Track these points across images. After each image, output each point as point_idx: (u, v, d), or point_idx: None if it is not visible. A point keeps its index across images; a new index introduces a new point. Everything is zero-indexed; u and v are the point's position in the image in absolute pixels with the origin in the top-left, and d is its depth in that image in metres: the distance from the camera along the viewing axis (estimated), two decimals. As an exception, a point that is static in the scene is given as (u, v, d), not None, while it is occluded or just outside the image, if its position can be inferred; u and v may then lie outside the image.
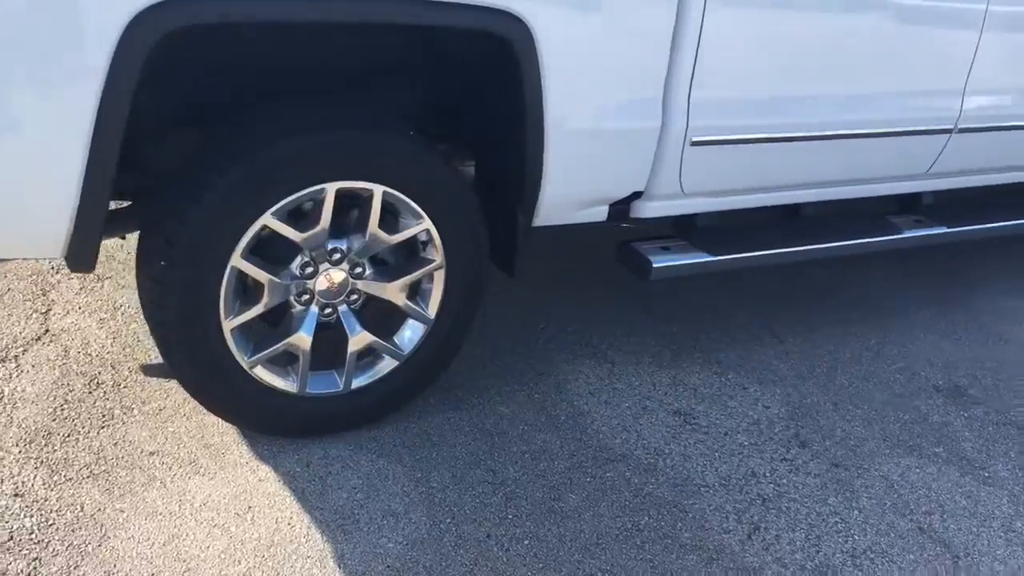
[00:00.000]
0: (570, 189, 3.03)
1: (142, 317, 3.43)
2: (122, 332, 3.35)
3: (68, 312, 3.44)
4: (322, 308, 2.83)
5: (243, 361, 2.74)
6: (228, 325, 2.67)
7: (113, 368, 3.17)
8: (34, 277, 3.61)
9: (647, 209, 3.29)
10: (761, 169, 3.39)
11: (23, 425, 2.86)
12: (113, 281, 3.67)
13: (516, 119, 2.80)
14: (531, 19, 2.64)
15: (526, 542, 2.66)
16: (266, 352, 2.77)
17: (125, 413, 2.98)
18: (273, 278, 2.69)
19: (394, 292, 2.89)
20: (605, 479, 2.94)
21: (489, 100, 2.95)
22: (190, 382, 2.76)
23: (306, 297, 2.79)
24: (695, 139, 3.15)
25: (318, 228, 2.68)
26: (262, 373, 2.79)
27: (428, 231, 2.83)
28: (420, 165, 2.74)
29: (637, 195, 3.22)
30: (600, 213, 3.23)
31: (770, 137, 3.32)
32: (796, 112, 3.32)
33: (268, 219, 2.58)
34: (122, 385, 3.10)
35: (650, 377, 3.50)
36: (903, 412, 3.50)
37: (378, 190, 2.70)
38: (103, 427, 2.91)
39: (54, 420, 2.91)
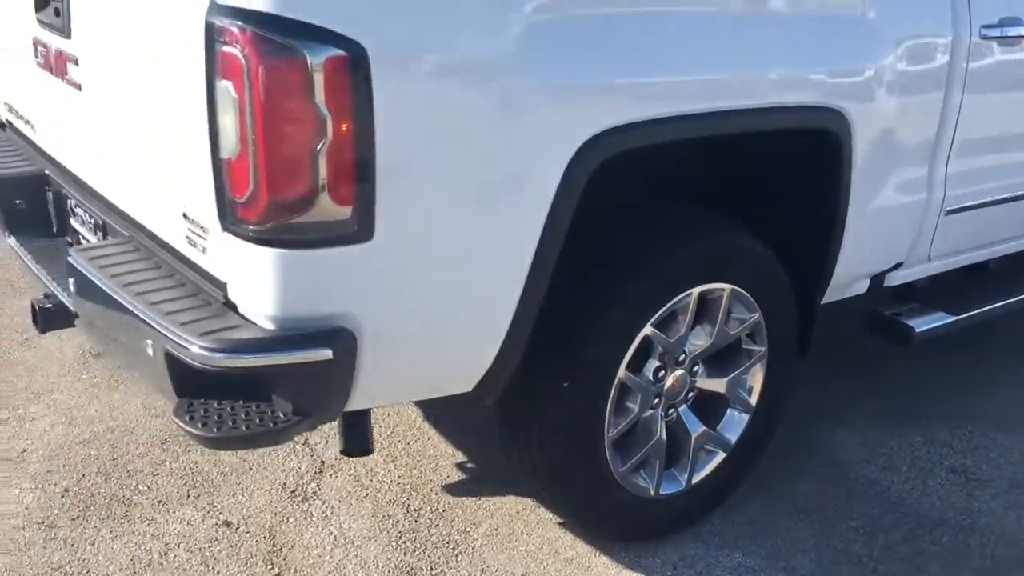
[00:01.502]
0: (856, 265, 3.16)
1: (405, 438, 3.41)
2: (397, 456, 3.31)
3: (328, 442, 3.38)
4: (666, 410, 2.88)
5: (616, 472, 2.76)
6: (608, 438, 2.69)
7: (416, 491, 3.13)
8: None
9: (898, 278, 3.45)
10: (988, 228, 3.60)
11: (380, 563, 2.81)
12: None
13: (821, 204, 2.93)
14: (850, 111, 2.79)
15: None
16: (635, 460, 2.80)
17: (465, 538, 2.94)
18: (648, 385, 2.73)
19: (727, 386, 2.96)
20: (945, 544, 3.03)
21: (795, 190, 3.06)
22: (565, 498, 2.76)
23: (656, 400, 2.83)
24: (949, 208, 3.33)
25: (682, 332, 2.74)
26: (632, 481, 2.81)
27: (759, 323, 2.92)
28: (759, 262, 2.84)
29: (896, 266, 3.38)
30: (863, 286, 3.38)
31: (1002, 199, 3.53)
32: (1020, 174, 3.55)
33: (648, 329, 2.64)
34: (441, 508, 3.06)
35: (904, 439, 3.62)
36: None
37: (727, 289, 2.78)
38: (458, 555, 2.87)
39: (405, 554, 2.86)
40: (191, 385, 2.18)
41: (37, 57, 2.79)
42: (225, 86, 1.97)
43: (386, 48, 1.99)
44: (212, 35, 1.97)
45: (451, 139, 2.14)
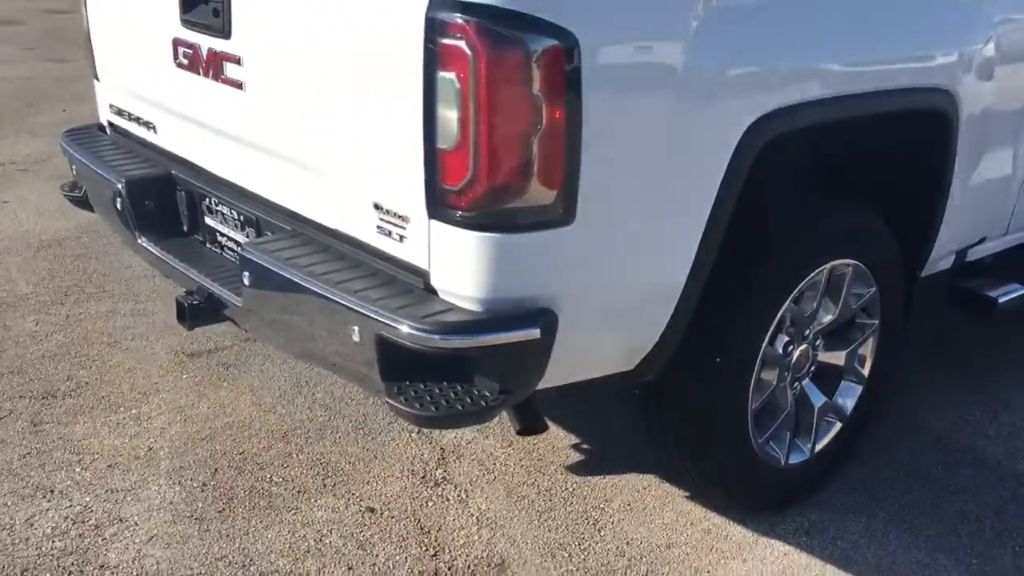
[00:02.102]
0: (952, 240, 3.33)
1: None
2: (513, 440, 3.40)
3: (442, 431, 3.46)
4: (792, 383, 3.01)
5: (755, 443, 2.88)
6: (751, 410, 2.81)
7: (542, 472, 3.23)
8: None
9: (978, 252, 3.62)
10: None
11: (528, 540, 2.90)
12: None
13: (930, 181, 3.08)
14: (958, 92, 2.94)
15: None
16: (772, 429, 2.93)
17: (602, 514, 3.05)
18: (780, 359, 2.87)
19: (846, 358, 3.10)
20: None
21: (906, 169, 3.21)
22: (708, 470, 2.88)
23: (785, 374, 2.96)
24: (1026, 184, 3.51)
25: (813, 307, 2.87)
26: (766, 451, 2.94)
27: (875, 297, 3.06)
28: (879, 238, 2.98)
29: (981, 240, 3.54)
30: (949, 261, 3.54)
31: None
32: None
33: (788, 305, 2.77)
34: (571, 488, 3.17)
35: (986, 406, 3.79)
36: None
37: (852, 265, 2.92)
38: (600, 530, 2.98)
39: (550, 531, 2.96)
40: (399, 369, 2.26)
41: (178, 58, 2.83)
42: (447, 77, 2.06)
43: (593, 38, 2.10)
44: (434, 29, 2.05)
45: (642, 124, 2.25)
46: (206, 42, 2.71)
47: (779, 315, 2.76)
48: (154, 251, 3.04)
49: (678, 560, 2.87)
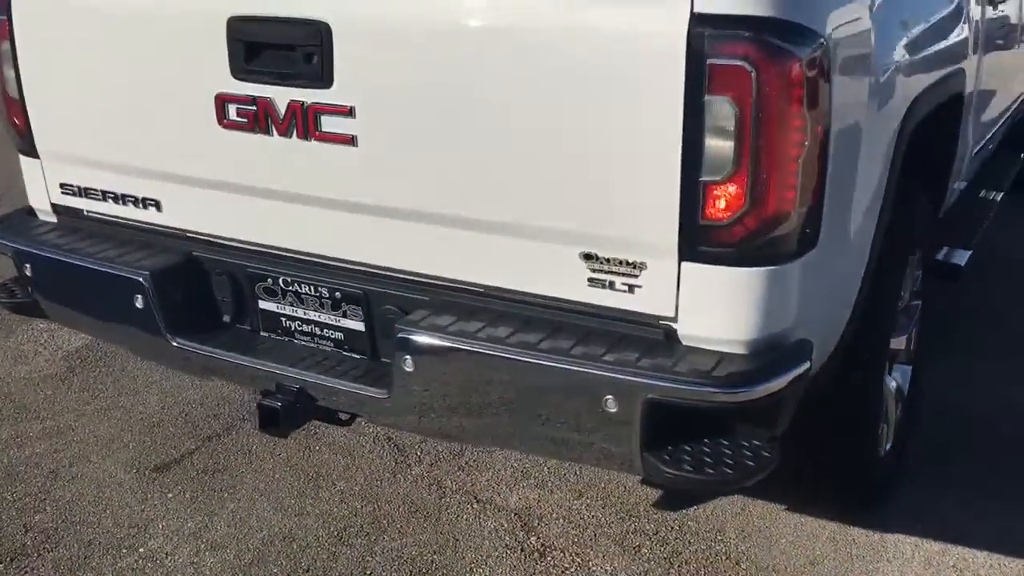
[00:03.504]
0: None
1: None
2: (581, 490, 3.18)
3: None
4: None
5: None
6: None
7: (634, 517, 3.03)
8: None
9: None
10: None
11: None
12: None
13: (948, 158, 3.23)
14: (968, 73, 3.11)
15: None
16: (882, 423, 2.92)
17: (726, 545, 2.91)
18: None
19: (905, 342, 3.16)
20: None
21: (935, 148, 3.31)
22: (842, 471, 2.82)
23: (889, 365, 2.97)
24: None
25: (906, 295, 2.91)
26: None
27: (920, 279, 3.16)
28: (930, 217, 3.07)
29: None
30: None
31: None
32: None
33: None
34: (677, 526, 2.99)
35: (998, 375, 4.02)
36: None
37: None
38: (737, 563, 2.83)
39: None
40: (662, 434, 2.00)
41: (226, 118, 2.35)
42: (719, 101, 1.84)
43: (833, 38, 1.96)
44: (701, 48, 1.83)
45: (854, 126, 2.15)
46: (287, 94, 2.26)
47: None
48: (202, 352, 2.51)
49: (833, 574, 2.79)
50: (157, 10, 2.40)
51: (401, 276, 2.31)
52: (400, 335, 2.18)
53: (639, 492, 3.17)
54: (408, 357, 2.17)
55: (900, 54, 2.38)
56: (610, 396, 1.98)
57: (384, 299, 2.35)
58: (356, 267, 2.37)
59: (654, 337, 2.06)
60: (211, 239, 2.56)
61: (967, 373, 3.90)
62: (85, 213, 2.76)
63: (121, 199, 2.66)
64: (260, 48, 2.28)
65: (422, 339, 2.15)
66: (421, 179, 2.20)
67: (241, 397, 3.62)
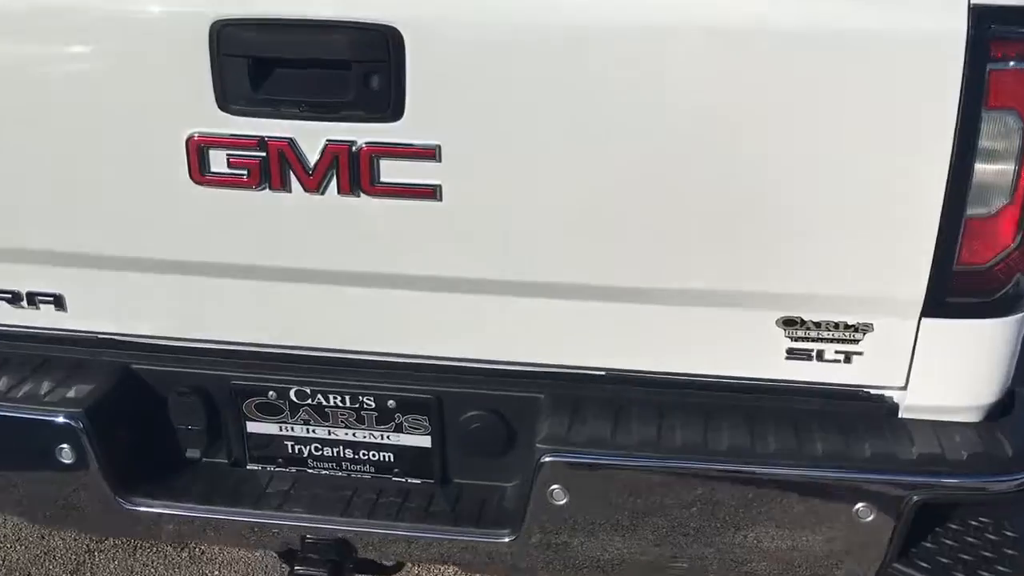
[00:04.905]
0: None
1: None
2: None
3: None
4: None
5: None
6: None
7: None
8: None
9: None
10: None
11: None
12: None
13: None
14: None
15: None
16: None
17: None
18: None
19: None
20: None
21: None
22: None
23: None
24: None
25: None
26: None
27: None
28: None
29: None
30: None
31: None
32: None
33: None
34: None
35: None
36: None
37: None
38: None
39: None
40: (917, 540, 1.59)
41: (208, 171, 1.58)
42: (997, 116, 1.43)
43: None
44: (982, 49, 1.40)
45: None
46: (322, 132, 1.54)
47: None
48: (172, 511, 1.73)
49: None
50: (79, 8, 1.56)
51: (504, 369, 1.69)
52: (545, 458, 1.57)
53: None
54: (557, 487, 1.57)
55: None
56: (862, 503, 1.54)
57: (468, 403, 1.71)
58: (426, 363, 1.71)
59: (873, 413, 1.63)
60: (171, 345, 1.76)
61: None
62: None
63: (18, 298, 1.78)
64: (273, 66, 1.53)
65: (584, 461, 1.56)
66: (545, 241, 1.58)
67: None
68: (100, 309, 1.77)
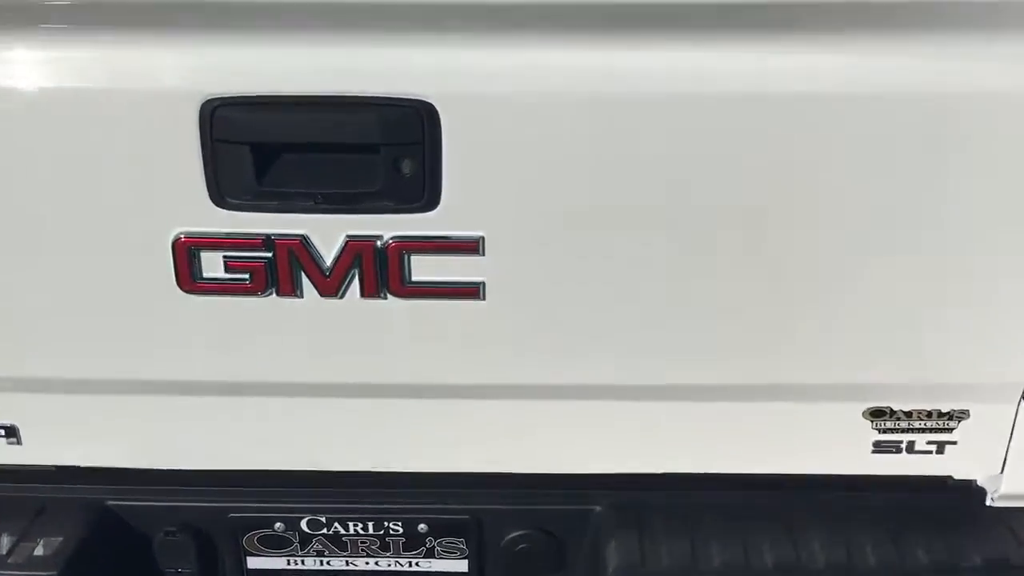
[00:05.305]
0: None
1: None
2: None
3: None
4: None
5: None
6: None
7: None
8: None
9: None
10: None
11: None
12: None
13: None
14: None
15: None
16: None
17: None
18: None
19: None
20: None
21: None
22: None
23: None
24: None
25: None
26: None
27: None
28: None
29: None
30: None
31: None
32: None
33: None
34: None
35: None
36: None
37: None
38: None
39: None
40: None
41: (198, 277, 1.32)
42: None
43: None
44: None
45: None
46: (341, 226, 1.30)
47: None
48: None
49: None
50: (40, 87, 1.28)
51: (556, 482, 1.47)
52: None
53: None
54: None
55: None
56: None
57: (512, 521, 1.49)
58: (465, 480, 1.48)
59: (964, 505, 1.48)
60: (154, 474, 1.49)
61: None
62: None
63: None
64: (280, 152, 1.28)
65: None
66: (606, 340, 1.37)
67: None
68: (65, 438, 1.49)
